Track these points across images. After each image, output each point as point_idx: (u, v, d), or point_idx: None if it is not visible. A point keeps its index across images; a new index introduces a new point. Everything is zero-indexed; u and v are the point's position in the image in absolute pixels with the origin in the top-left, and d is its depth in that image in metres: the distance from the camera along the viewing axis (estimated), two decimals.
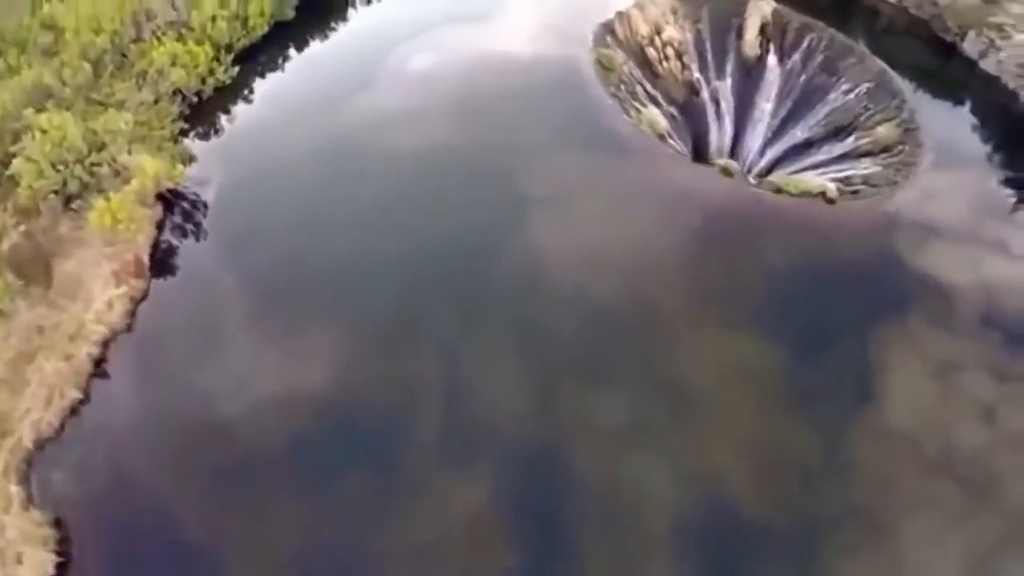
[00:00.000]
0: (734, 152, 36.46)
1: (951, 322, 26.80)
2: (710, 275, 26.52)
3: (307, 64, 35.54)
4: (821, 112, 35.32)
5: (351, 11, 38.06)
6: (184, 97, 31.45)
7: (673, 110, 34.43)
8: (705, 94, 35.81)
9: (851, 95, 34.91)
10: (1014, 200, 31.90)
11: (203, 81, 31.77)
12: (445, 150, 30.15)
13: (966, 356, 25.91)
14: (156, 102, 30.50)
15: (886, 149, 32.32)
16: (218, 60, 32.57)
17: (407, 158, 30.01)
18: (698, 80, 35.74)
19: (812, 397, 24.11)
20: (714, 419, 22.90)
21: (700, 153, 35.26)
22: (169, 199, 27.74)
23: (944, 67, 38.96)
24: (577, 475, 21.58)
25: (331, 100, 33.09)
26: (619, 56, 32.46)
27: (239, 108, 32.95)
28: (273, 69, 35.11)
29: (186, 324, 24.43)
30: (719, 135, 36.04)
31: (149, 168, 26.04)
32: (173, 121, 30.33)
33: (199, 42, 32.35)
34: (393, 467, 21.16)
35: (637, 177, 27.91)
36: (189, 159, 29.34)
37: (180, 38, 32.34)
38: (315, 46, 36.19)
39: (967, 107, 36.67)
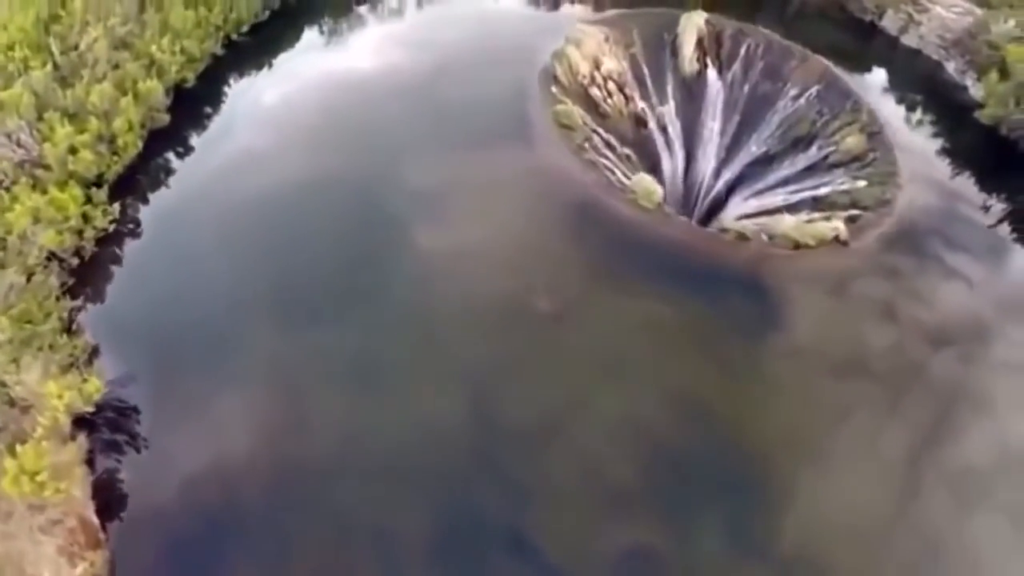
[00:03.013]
0: (687, 178, 34.11)
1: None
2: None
3: (195, 174, 29.06)
4: (773, 122, 33.47)
5: (233, 101, 31.47)
6: (61, 262, 24.68)
7: (628, 151, 31.29)
8: (652, 124, 32.91)
9: (801, 100, 33.25)
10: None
11: (80, 235, 25.03)
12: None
13: (857, 267, 26.76)
14: (29, 279, 23.57)
15: (857, 158, 30.89)
16: (91, 201, 25.78)
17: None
18: (643, 110, 32.74)
19: (719, 338, 24.63)
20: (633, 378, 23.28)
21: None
22: (89, 417, 21.47)
23: (867, 48, 38.44)
24: (515, 461, 21.62)
25: (234, 214, 27.47)
26: (576, 110, 28.66)
27: (130, 252, 26.39)
28: (156, 186, 28.51)
29: None
30: (671, 163, 33.47)
31: (56, 399, 19.82)
32: (57, 300, 23.60)
33: (61, 184, 25.43)
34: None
35: (650, 261, 24.80)
36: (93, 351, 22.96)
37: (36, 184, 25.28)
38: (201, 152, 29.67)
39: (902, 85, 36.24)
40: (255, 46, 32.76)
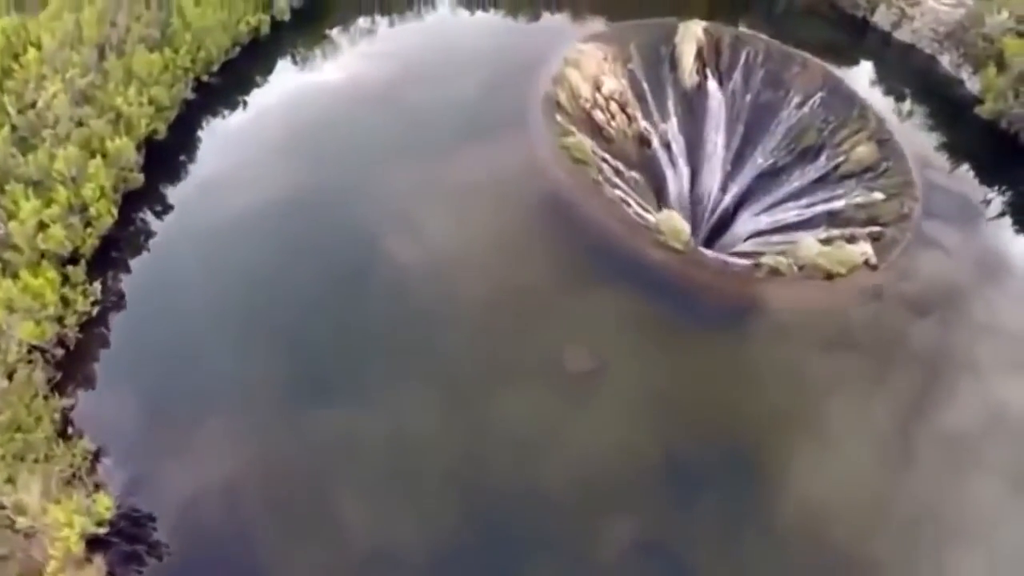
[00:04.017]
0: (693, 194, 33.40)
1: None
2: None
3: (176, 235, 26.99)
4: (778, 132, 32.92)
5: (208, 150, 29.38)
6: (44, 353, 22.69)
7: (635, 175, 30.37)
8: (655, 142, 32.07)
9: (805, 108, 32.74)
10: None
11: (61, 322, 23.04)
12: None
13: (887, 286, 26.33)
14: (11, 378, 21.62)
15: (869, 168, 30.52)
16: (68, 281, 23.81)
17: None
18: (646, 129, 31.87)
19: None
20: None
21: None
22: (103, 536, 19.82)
23: (860, 44, 38.10)
24: (507, 464, 22.06)
25: (221, 273, 26.10)
26: (585, 141, 27.57)
27: (118, 333, 24.40)
28: (137, 253, 26.44)
29: None
30: (676, 182, 32.73)
31: (67, 526, 18.20)
32: (46, 400, 21.69)
33: (34, 266, 23.46)
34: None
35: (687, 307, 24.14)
36: (94, 456, 21.15)
37: (6, 268, 23.22)
38: (180, 211, 27.62)
39: (898, 81, 35.98)
40: (227, 86, 30.72)
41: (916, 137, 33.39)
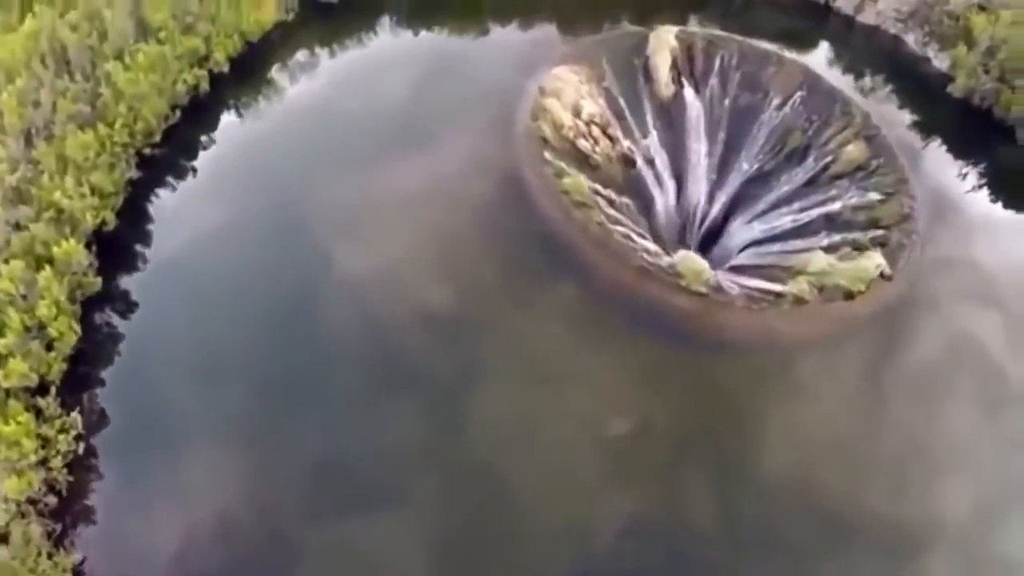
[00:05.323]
0: (680, 206, 33.93)
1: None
2: None
3: (148, 334, 25.85)
4: (760, 136, 33.75)
5: (163, 234, 27.97)
6: (36, 504, 21.58)
7: (626, 200, 30.70)
8: (639, 160, 32.35)
9: (786, 109, 33.59)
10: None
11: (46, 465, 21.92)
12: None
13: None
14: (6, 540, 20.63)
15: (860, 167, 31.65)
16: (43, 416, 22.56)
17: None
18: (629, 149, 32.17)
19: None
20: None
21: (655, 230, 32.21)
22: None
23: (822, 29, 39.19)
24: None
25: (205, 369, 25.04)
26: (581, 179, 27.78)
27: (109, 463, 23.23)
28: (108, 363, 25.16)
29: None
30: (663, 196, 33.19)
31: None
32: (51, 558, 20.70)
33: (1, 408, 21.95)
34: None
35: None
36: None
37: None
38: (145, 307, 26.41)
39: (865, 65, 37.22)
40: (172, 154, 29.23)
41: (894, 120, 34.71)
